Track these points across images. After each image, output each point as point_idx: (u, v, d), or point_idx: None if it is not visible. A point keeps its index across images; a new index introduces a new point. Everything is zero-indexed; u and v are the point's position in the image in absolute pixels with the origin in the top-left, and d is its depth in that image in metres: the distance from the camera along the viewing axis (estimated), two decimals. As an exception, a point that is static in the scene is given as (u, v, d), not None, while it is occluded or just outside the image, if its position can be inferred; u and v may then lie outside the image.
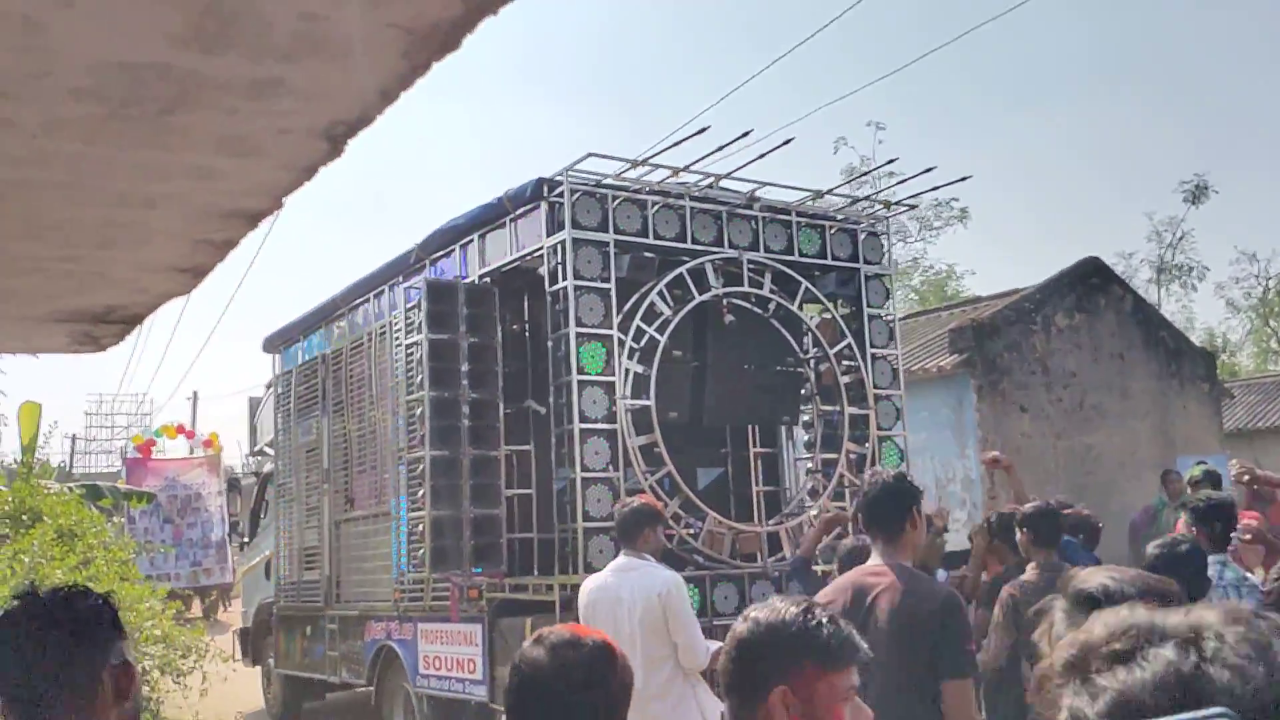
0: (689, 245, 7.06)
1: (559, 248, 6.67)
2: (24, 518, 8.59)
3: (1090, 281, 14.43)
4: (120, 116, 1.60)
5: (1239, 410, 21.24)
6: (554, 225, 6.76)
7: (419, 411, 6.89)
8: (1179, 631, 0.87)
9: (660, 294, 6.93)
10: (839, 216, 7.72)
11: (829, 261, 7.57)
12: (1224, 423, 16.63)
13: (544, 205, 6.82)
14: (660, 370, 6.88)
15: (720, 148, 6.71)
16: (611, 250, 6.73)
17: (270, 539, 10.68)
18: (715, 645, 4.46)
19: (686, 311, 7.00)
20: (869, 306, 7.62)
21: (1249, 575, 4.63)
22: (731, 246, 7.19)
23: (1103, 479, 13.24)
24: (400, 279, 8.16)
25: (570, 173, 6.72)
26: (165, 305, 3.05)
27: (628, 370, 6.73)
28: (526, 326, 7.42)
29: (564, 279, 6.59)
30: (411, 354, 7.25)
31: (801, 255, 7.46)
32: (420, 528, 6.85)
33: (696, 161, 6.86)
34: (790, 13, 50.95)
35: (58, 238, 2.28)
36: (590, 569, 6.31)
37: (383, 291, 8.48)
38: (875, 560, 3.47)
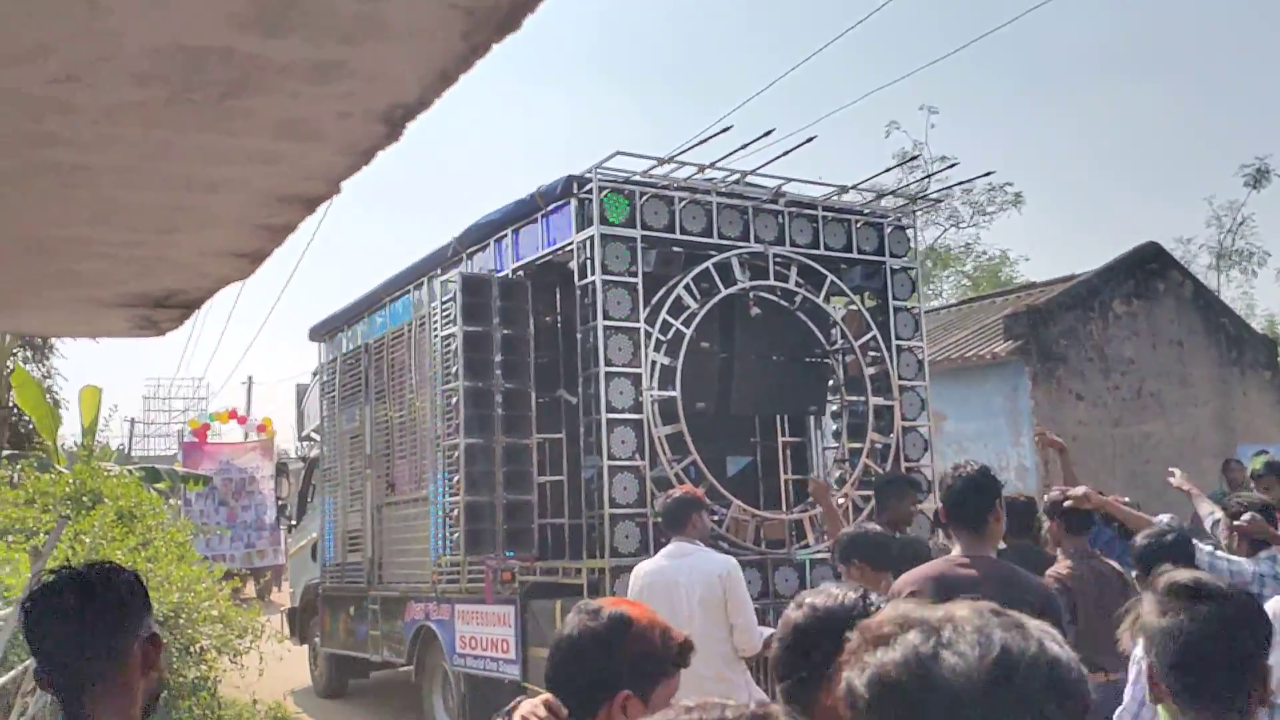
0: (715, 240, 7.41)
1: (588, 243, 7.06)
2: (85, 499, 8.84)
3: (1149, 267, 14.50)
4: (182, 101, 1.63)
5: (1301, 397, 21.05)
6: (583, 221, 7.14)
7: (454, 400, 7.33)
8: (930, 621, 1.09)
9: (687, 288, 7.29)
10: (864, 211, 8.00)
11: (855, 255, 7.87)
12: (1286, 410, 16.63)
13: (573, 202, 7.22)
14: (687, 362, 7.23)
15: (743, 146, 7.04)
16: (639, 245, 7.10)
17: (317, 522, 11.29)
18: (768, 631, 4.69)
19: (712, 305, 7.34)
20: (894, 299, 7.91)
21: None
22: (757, 241, 7.53)
23: (1160, 468, 13.26)
24: (439, 271, 8.61)
25: (599, 170, 7.11)
26: (222, 290, 3.13)
27: (654, 362, 7.10)
28: (559, 318, 7.78)
29: (592, 274, 6.98)
30: (448, 345, 7.69)
31: (827, 249, 7.76)
32: (456, 512, 7.31)
33: (721, 159, 7.20)
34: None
35: (122, 222, 2.32)
36: (616, 554, 6.74)
37: (422, 283, 8.93)
38: (959, 553, 3.54)
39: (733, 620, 4.90)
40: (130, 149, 1.86)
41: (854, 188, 7.90)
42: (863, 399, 7.76)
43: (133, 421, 30.23)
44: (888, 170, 7.80)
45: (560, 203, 7.34)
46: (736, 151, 7.10)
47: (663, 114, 70.45)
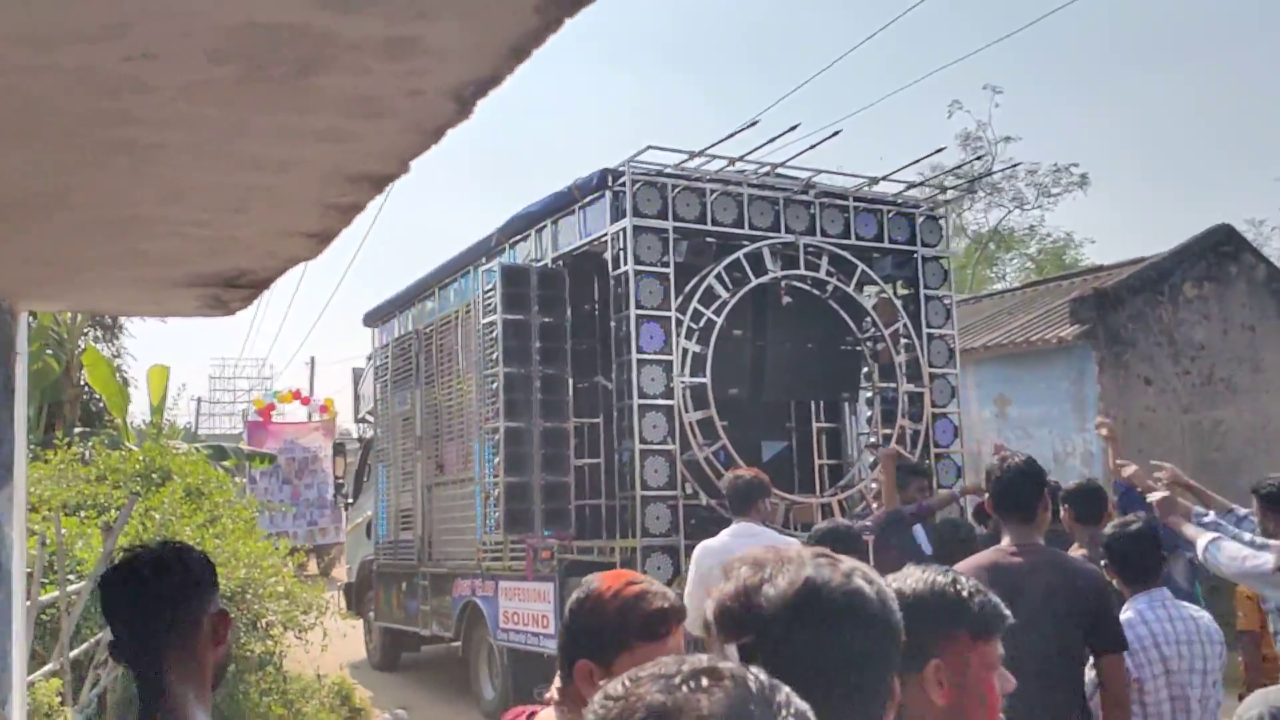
0: (747, 230, 7.83)
1: (621, 234, 7.52)
2: (154, 476, 9.18)
3: (1221, 250, 14.33)
4: (256, 78, 1.64)
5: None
6: (617, 213, 7.61)
7: (495, 386, 7.87)
8: (763, 560, 1.42)
9: (718, 277, 7.73)
10: (896, 200, 8.36)
11: (886, 245, 8.24)
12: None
13: (608, 194, 7.69)
14: (719, 349, 7.66)
15: (771, 140, 7.47)
16: (671, 236, 7.54)
17: (371, 501, 11.98)
18: None
19: (743, 294, 7.76)
20: (926, 288, 8.27)
21: None
22: (788, 231, 7.94)
23: (1231, 455, 13.22)
24: (484, 260, 9.15)
25: (632, 164, 7.57)
26: (290, 270, 3.16)
27: (685, 350, 7.56)
28: (596, 306, 8.20)
29: (625, 264, 7.43)
30: (489, 332, 8.22)
31: (859, 239, 8.14)
32: (497, 493, 7.86)
33: (750, 152, 7.62)
34: None
35: (194, 202, 2.36)
36: (646, 534, 7.23)
37: (469, 271, 9.48)
38: (1008, 543, 3.67)
39: None
40: (205, 128, 1.88)
41: (884, 178, 8.25)
42: (894, 386, 8.15)
43: (199, 401, 31.56)
44: (917, 161, 8.10)
45: (596, 195, 7.82)
46: (764, 145, 7.52)
47: (730, 93, 70.44)
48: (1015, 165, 24.50)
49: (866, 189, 8.28)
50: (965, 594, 1.84)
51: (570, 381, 7.89)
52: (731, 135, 7.45)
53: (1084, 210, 41.80)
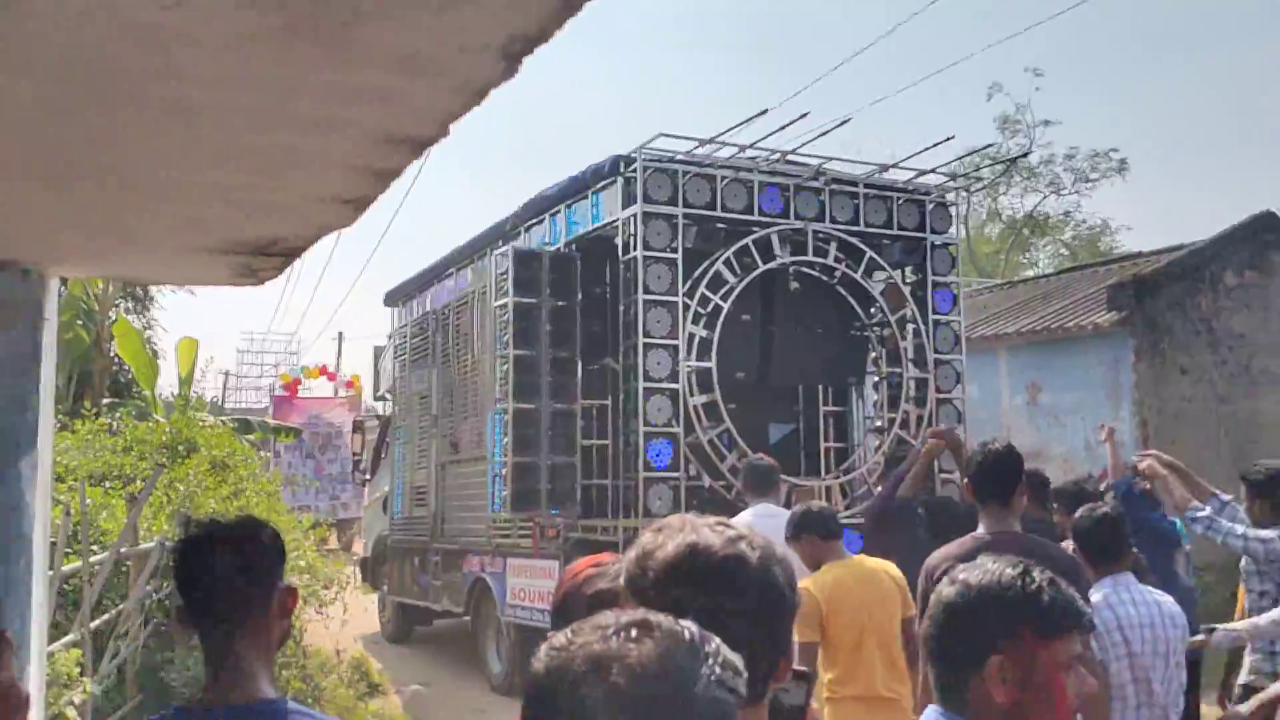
0: (756, 217, 8.10)
1: (632, 220, 7.81)
2: (180, 448, 9.32)
3: (1264, 238, 14.33)
4: (302, 31, 1.61)
5: None
6: (628, 199, 7.90)
7: (506, 367, 8.24)
8: (668, 524, 1.62)
9: (727, 263, 8.00)
10: (906, 188, 8.61)
11: (895, 232, 8.47)
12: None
13: (620, 180, 7.99)
14: (726, 333, 7.92)
15: (782, 127, 7.74)
16: (680, 222, 7.81)
17: (389, 477, 12.44)
18: None
19: (752, 279, 8.03)
20: (934, 275, 8.51)
21: None
22: (798, 218, 8.20)
23: (1269, 446, 13.10)
24: (500, 243, 9.48)
25: (644, 150, 7.85)
26: (322, 240, 3.17)
27: (692, 334, 7.84)
28: (608, 290, 8.44)
29: (635, 249, 7.72)
30: (501, 315, 8.56)
31: (868, 226, 8.39)
32: (506, 471, 8.23)
33: (761, 140, 7.89)
34: None
35: (237, 165, 2.34)
36: (649, 514, 7.54)
37: (485, 253, 9.81)
38: (985, 528, 3.88)
39: None
40: (251, 86, 1.86)
41: (895, 165, 8.51)
42: (900, 371, 8.43)
43: (226, 374, 32.21)
44: (926, 150, 8.33)
45: (609, 180, 8.13)
46: (775, 133, 7.79)
47: (757, 77, 70.50)
48: (1025, 155, 24.57)
49: (876, 175, 8.54)
50: (1034, 588, 1.79)
51: (580, 364, 8.18)
52: (741, 124, 7.73)
53: (1120, 197, 41.85)
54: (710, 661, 0.98)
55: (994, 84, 27.64)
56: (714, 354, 7.85)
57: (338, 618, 8.31)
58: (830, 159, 8.31)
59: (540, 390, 8.01)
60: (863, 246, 8.31)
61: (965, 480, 4.17)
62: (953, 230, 8.71)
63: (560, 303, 8.11)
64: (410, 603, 11.56)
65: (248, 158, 2.33)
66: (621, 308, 7.98)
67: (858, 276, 8.31)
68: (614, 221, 8.06)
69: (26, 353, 3.38)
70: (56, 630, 5.00)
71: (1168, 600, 4.19)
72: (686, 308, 7.80)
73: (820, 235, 8.23)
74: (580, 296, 8.19)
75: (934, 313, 8.47)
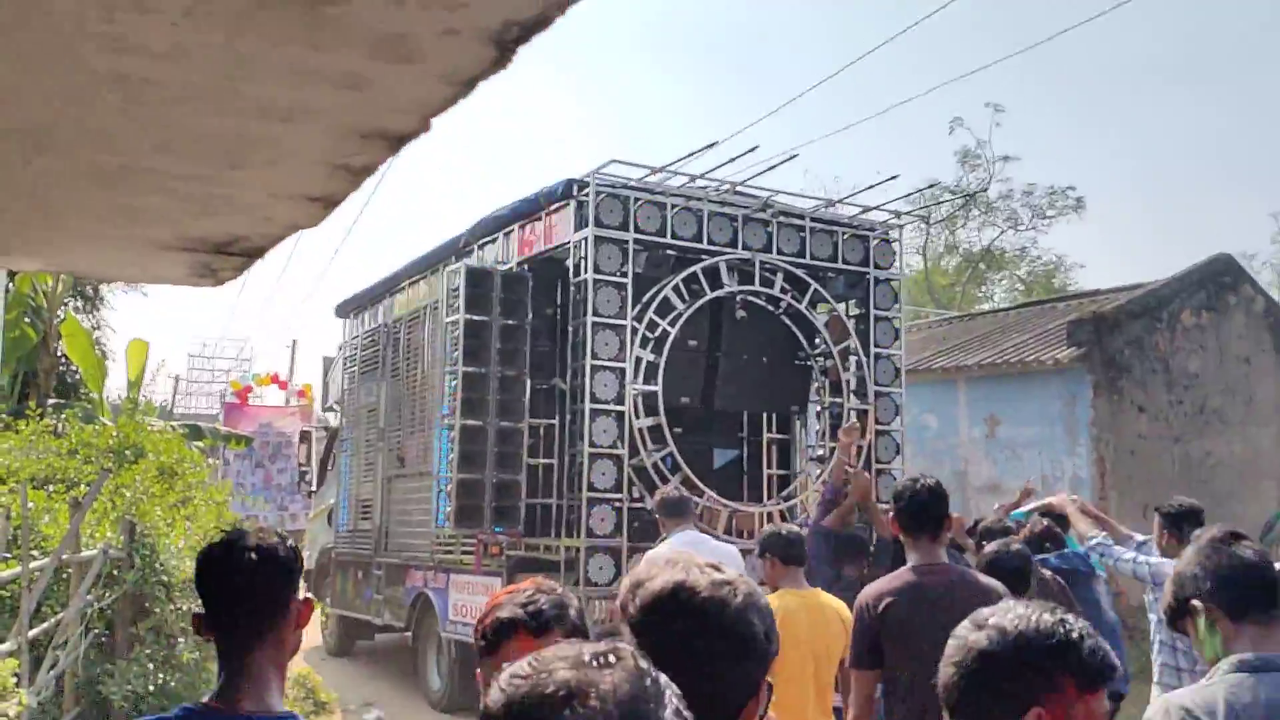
0: (705, 245, 8.43)
1: (583, 243, 8.10)
2: (127, 453, 9.17)
3: (1221, 280, 14.75)
4: (268, 1, 1.50)
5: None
6: (580, 222, 8.19)
7: (455, 383, 8.48)
8: (657, 562, 1.83)
9: (675, 289, 8.32)
10: (851, 223, 9.02)
11: (840, 265, 8.84)
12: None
13: (573, 203, 8.30)
14: (674, 359, 8.24)
15: (731, 160, 8.11)
16: (631, 247, 8.13)
17: (334, 489, 12.63)
18: None
19: (699, 306, 8.34)
20: (876, 309, 8.89)
21: None
22: (746, 248, 8.56)
23: (1221, 487, 13.50)
24: (453, 259, 9.74)
25: (596, 175, 8.19)
26: (285, 240, 3.06)
27: (639, 358, 8.14)
28: (558, 311, 8.73)
29: (586, 272, 8.01)
30: (452, 331, 8.79)
31: (813, 258, 8.74)
32: (450, 487, 8.48)
33: (711, 170, 8.25)
34: None
35: (189, 153, 2.22)
36: (591, 534, 7.83)
37: (438, 269, 10.06)
38: (917, 560, 4.02)
39: None
40: (207, 63, 1.72)
41: (840, 201, 8.93)
42: (841, 402, 8.80)
43: (177, 379, 32.14)
44: (871, 187, 8.76)
45: (561, 203, 8.45)
46: (725, 165, 8.16)
47: (724, 103, 71.61)
48: (982, 190, 25.47)
49: (823, 210, 8.95)
50: (1075, 636, 1.70)
51: (528, 383, 8.41)
52: (691, 155, 8.10)
53: (1076, 235, 43.43)
54: (669, 693, 1.02)
55: (955, 118, 28.47)
56: (660, 378, 8.16)
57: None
58: (778, 192, 8.69)
59: (488, 407, 8.23)
60: (808, 279, 8.68)
61: (892, 515, 4.33)
62: (896, 266, 9.11)
63: (511, 321, 8.35)
64: (353, 616, 11.74)
65: (201, 145, 2.17)
66: (570, 329, 8.27)
67: (802, 308, 8.68)
68: (565, 244, 8.36)
69: (-33, 349, 3.47)
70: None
71: None
72: (635, 331, 8.11)
73: (767, 266, 8.59)
74: (531, 316, 8.43)
75: (875, 345, 8.86)
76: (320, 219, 2.69)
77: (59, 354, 14.98)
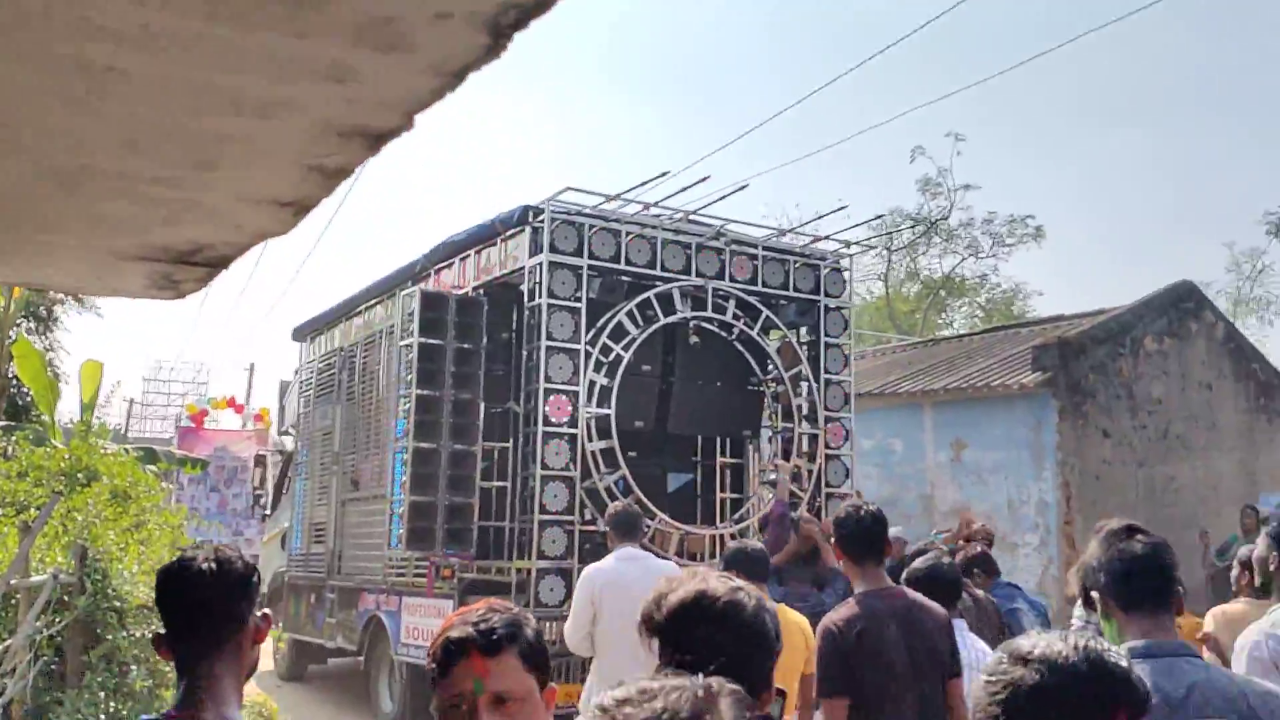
0: (659, 272, 8.73)
1: (538, 268, 8.36)
2: (80, 476, 9.06)
3: (1183, 306, 15.14)
4: None
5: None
6: (535, 248, 8.45)
7: (408, 406, 8.72)
8: (677, 577, 2.15)
9: (629, 314, 8.59)
10: (803, 252, 9.38)
11: (791, 293, 9.16)
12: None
13: (528, 229, 8.58)
14: (627, 383, 8.47)
15: (683, 189, 8.42)
16: (585, 273, 8.40)
17: (288, 513, 12.81)
18: None
19: (652, 331, 8.59)
20: (826, 336, 9.22)
21: None
22: (699, 275, 8.87)
23: (1184, 512, 13.90)
24: (409, 284, 10.00)
25: (552, 202, 8.47)
26: (251, 250, 2.99)
27: (593, 382, 8.39)
28: (513, 335, 8.96)
29: (540, 297, 8.27)
30: (406, 354, 8.97)
31: (765, 286, 9.06)
32: (402, 510, 8.69)
33: (665, 199, 8.56)
34: (877, 18, 53.27)
35: (155, 152, 2.13)
36: (543, 556, 8.05)
37: (394, 294, 10.28)
38: (867, 587, 4.22)
39: None
40: (177, 50, 1.64)
41: (792, 231, 9.29)
42: (792, 427, 9.13)
43: (131, 402, 32.09)
44: (821, 218, 9.14)
45: (517, 229, 8.74)
46: (678, 194, 8.47)
47: (683, 131, 72.78)
48: (943, 218, 26.26)
49: (775, 239, 9.30)
50: (1125, 665, 1.68)
51: (482, 406, 8.59)
52: (645, 184, 8.40)
53: (1034, 262, 45.34)
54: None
55: (917, 146, 29.35)
56: (613, 402, 8.41)
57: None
58: (732, 221, 9.02)
59: (441, 430, 8.39)
60: (760, 305, 8.97)
61: (834, 542, 4.52)
62: (846, 294, 9.46)
63: (465, 345, 8.52)
64: (305, 640, 11.87)
65: (170, 143, 2.08)
66: (525, 353, 8.51)
67: (754, 334, 8.99)
68: (520, 269, 8.63)
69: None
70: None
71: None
72: (588, 356, 8.35)
73: (720, 293, 8.90)
74: (486, 340, 8.61)
75: (826, 372, 9.18)
76: (290, 226, 2.59)
77: (10, 375, 14.76)
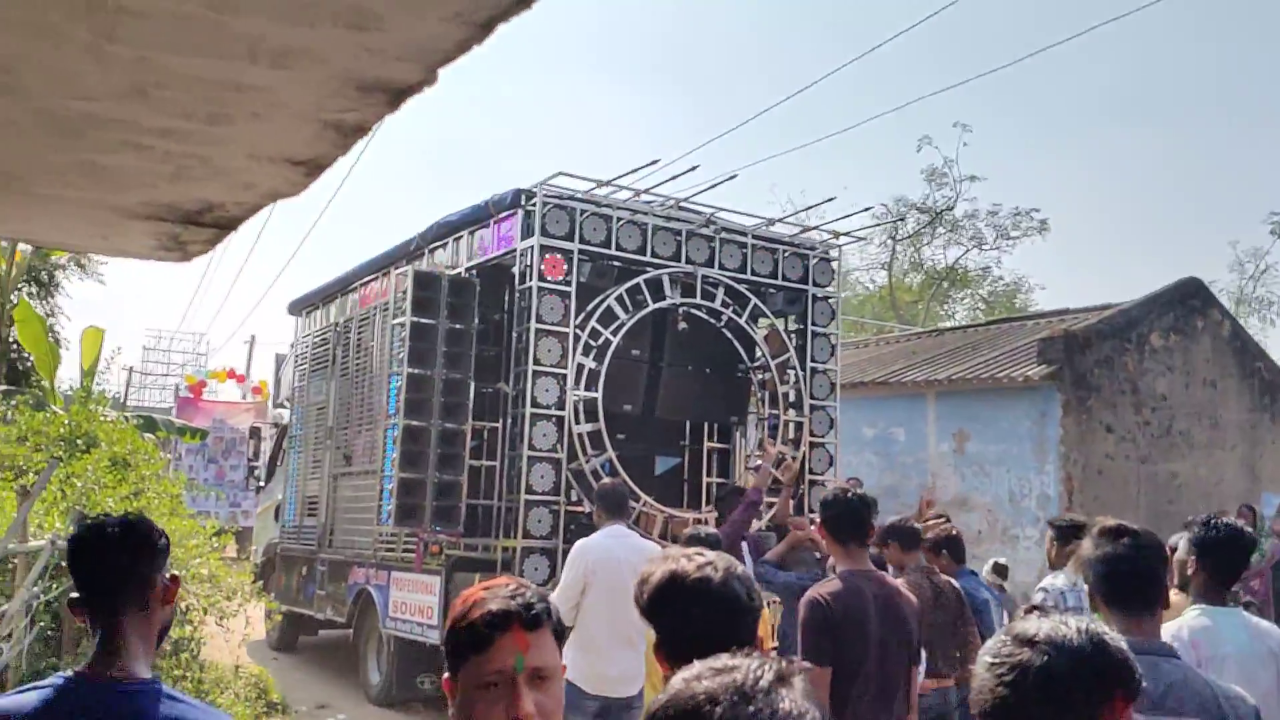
0: (649, 258, 9.03)
1: (529, 251, 8.64)
2: (79, 442, 9.39)
3: (1190, 303, 15.37)
4: None
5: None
6: (527, 231, 8.76)
7: (400, 384, 8.97)
8: (656, 559, 2.43)
9: (619, 299, 8.87)
10: (792, 241, 9.69)
11: (779, 282, 9.45)
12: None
13: (520, 212, 8.90)
14: (616, 367, 8.74)
15: (673, 177, 8.69)
16: (576, 257, 8.72)
17: (282, 486, 13.18)
18: None
19: (641, 316, 8.86)
20: (814, 325, 9.53)
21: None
22: (689, 262, 9.19)
23: (1185, 509, 13.64)
24: (404, 262, 10.28)
25: (544, 186, 8.77)
26: (260, 211, 2.95)
27: (581, 365, 8.68)
28: (504, 317, 9.22)
29: (531, 280, 8.57)
30: (399, 333, 9.21)
31: (754, 274, 9.37)
32: (392, 486, 8.99)
33: (655, 186, 8.87)
34: (885, 5, 53.41)
35: (165, 100, 2.04)
36: (528, 535, 8.36)
37: (389, 271, 10.59)
38: (848, 568, 4.38)
39: None
40: None
41: (781, 220, 9.58)
42: (778, 413, 9.47)
43: (130, 370, 32.37)
44: (810, 208, 9.43)
45: (510, 212, 9.07)
46: (667, 182, 8.78)
47: (682, 119, 72.89)
48: (941, 211, 26.55)
49: (764, 228, 9.62)
50: (1124, 649, 1.76)
51: (472, 386, 8.89)
52: (636, 170, 8.71)
53: (1037, 255, 45.52)
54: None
55: (924, 136, 29.64)
56: (601, 385, 8.70)
57: (239, 630, 8.33)
58: (722, 209, 9.31)
59: (432, 409, 8.68)
60: (748, 294, 9.27)
61: (819, 522, 4.71)
62: (834, 285, 9.78)
63: (457, 325, 8.79)
64: (296, 611, 12.22)
65: (180, 92, 1.98)
66: (515, 334, 8.82)
67: (742, 321, 9.30)
68: (512, 252, 8.96)
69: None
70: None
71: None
72: (577, 339, 8.66)
73: (709, 280, 9.20)
74: (477, 321, 8.88)
75: (812, 360, 9.49)
76: (302, 188, 2.53)
77: (10, 340, 15.14)
